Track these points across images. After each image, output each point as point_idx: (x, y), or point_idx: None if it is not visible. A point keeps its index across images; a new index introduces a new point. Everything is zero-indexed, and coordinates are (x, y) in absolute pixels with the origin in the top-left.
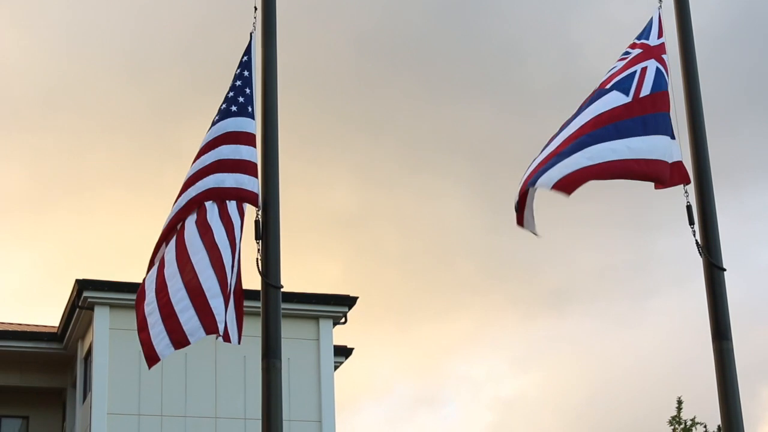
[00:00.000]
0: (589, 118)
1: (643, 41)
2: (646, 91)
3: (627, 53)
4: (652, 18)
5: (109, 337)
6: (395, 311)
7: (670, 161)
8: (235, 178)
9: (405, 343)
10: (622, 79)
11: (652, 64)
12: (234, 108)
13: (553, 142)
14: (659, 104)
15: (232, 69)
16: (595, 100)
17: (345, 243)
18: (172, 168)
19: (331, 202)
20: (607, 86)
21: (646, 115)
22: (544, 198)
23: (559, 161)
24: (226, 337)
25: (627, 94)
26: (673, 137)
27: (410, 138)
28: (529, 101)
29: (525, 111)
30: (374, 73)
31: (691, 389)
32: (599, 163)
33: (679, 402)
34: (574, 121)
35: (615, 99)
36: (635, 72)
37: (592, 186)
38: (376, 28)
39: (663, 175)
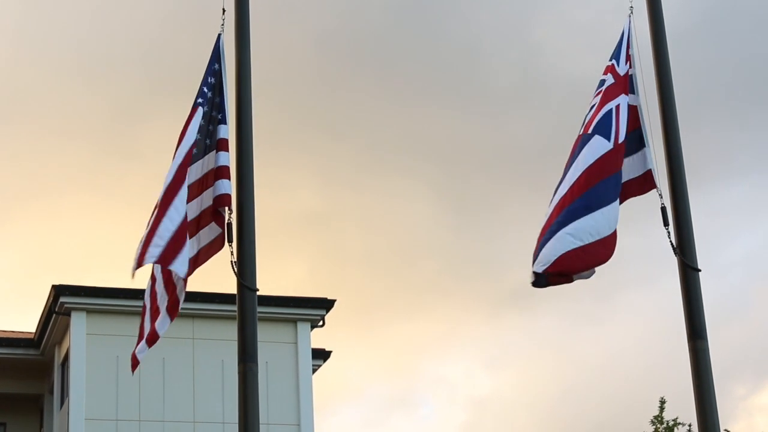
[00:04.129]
0: (580, 172)
1: (613, 64)
2: (622, 135)
3: (602, 82)
4: (623, 31)
5: (86, 342)
6: (363, 312)
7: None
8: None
9: (375, 345)
10: (601, 120)
11: (623, 102)
12: (220, 116)
13: (552, 202)
14: (632, 146)
15: (191, 71)
16: (581, 148)
17: (310, 244)
18: (134, 170)
19: (295, 204)
20: (590, 130)
21: (619, 169)
22: (508, 198)
23: (550, 238)
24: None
25: (608, 139)
26: (644, 145)
27: (373, 138)
28: (491, 100)
29: (486, 110)
30: (336, 75)
31: (664, 387)
32: (584, 246)
33: (662, 401)
34: (567, 175)
35: (599, 146)
36: (611, 111)
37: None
38: (337, 29)
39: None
